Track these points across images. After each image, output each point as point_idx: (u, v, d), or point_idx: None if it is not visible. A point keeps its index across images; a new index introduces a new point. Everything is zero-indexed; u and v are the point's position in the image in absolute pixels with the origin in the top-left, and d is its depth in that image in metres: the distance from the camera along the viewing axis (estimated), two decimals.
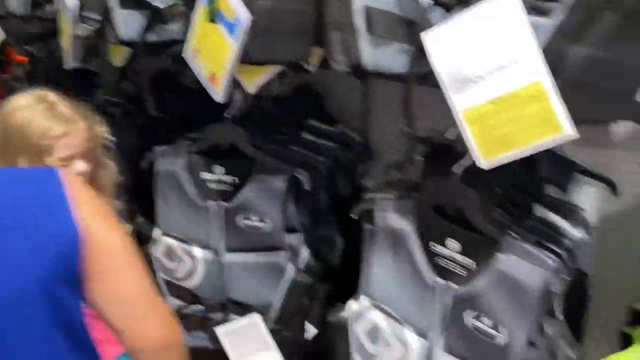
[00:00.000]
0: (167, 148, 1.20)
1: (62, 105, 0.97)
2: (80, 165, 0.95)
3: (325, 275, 1.14)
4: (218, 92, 0.92)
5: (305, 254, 1.10)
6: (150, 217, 1.29)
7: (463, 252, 0.84)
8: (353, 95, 1.21)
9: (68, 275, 0.63)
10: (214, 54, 0.90)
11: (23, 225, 0.61)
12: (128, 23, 1.00)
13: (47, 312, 0.62)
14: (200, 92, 0.98)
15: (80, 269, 0.63)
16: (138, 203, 1.49)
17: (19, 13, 1.39)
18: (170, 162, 1.18)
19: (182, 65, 1.02)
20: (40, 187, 0.64)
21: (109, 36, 1.06)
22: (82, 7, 1.09)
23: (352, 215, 0.97)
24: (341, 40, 0.81)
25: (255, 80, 1.00)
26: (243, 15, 0.83)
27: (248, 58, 0.87)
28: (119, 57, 1.23)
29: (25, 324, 0.62)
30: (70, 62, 1.22)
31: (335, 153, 1.18)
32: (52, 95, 0.97)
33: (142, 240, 1.43)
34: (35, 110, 0.94)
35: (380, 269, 0.93)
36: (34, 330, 0.63)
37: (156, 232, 1.25)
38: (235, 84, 0.97)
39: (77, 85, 1.79)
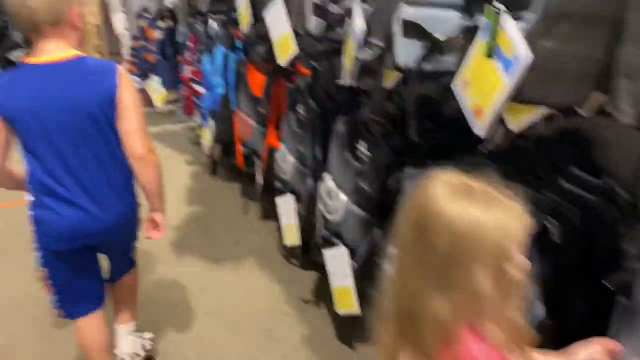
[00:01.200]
0: (417, 172, 1.24)
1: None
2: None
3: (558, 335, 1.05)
4: (481, 127, 0.92)
5: (539, 310, 1.02)
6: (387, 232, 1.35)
7: None
8: (629, 148, 1.09)
9: (110, 105, 1.37)
10: (485, 89, 0.91)
11: (93, 82, 1.37)
12: (408, 51, 1.06)
13: (103, 121, 1.37)
14: (459, 123, 0.99)
15: (115, 105, 1.37)
16: (378, 217, 1.58)
17: (314, 33, 1.58)
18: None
19: (447, 95, 1.04)
20: (106, 68, 1.40)
21: (387, 61, 1.14)
22: (368, 33, 1.20)
23: (606, 283, 0.87)
24: (632, 90, 0.74)
25: (521, 120, 0.97)
26: (523, 55, 0.81)
27: (520, 97, 0.85)
28: (389, 80, 1.32)
29: (96, 129, 1.37)
30: (347, 79, 1.35)
31: (595, 208, 1.07)
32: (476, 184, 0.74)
33: (375, 253, 1.51)
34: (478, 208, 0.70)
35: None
36: (100, 132, 1.37)
37: (390, 249, 1.31)
38: (498, 120, 0.96)
39: (346, 100, 2.02)
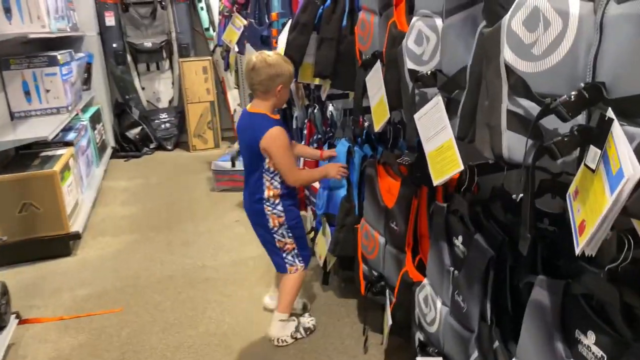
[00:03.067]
0: None
1: None
2: None
3: None
4: (581, 245, 0.76)
5: None
6: None
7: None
8: None
9: (258, 149, 2.09)
10: (591, 202, 0.77)
11: (254, 131, 2.10)
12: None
13: (258, 157, 2.10)
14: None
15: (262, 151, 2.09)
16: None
17: None
18: None
19: None
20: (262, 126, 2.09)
21: None
22: None
23: None
24: None
25: None
26: (630, 172, 0.67)
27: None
28: None
29: (255, 159, 2.13)
30: None
31: None
32: None
33: None
34: None
35: None
36: (256, 162, 2.13)
37: None
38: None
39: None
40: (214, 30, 5.69)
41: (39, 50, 4.11)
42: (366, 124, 2.56)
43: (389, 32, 1.58)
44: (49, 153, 3.49)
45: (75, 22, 4.82)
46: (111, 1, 5.42)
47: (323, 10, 2.07)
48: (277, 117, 2.17)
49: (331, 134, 2.74)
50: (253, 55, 2.11)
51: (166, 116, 5.85)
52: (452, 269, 1.46)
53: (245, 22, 3.70)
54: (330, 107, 3.09)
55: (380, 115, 1.70)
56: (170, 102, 5.88)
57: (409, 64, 1.43)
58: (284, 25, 2.92)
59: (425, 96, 1.40)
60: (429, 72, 1.33)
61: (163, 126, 5.83)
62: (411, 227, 1.76)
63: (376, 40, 1.76)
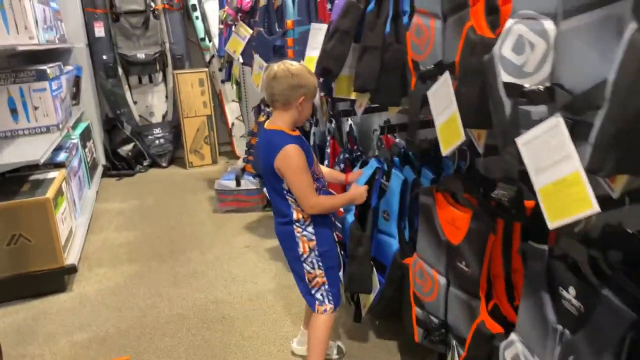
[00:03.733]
0: None
1: None
2: None
3: None
4: None
5: None
6: None
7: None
8: None
9: (273, 170, 1.83)
10: None
11: (268, 150, 1.84)
12: None
13: (275, 177, 1.85)
14: None
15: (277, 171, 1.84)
16: None
17: None
18: None
19: None
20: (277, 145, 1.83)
21: None
22: None
23: None
24: None
25: None
26: None
27: None
28: None
29: (272, 180, 1.87)
30: None
31: None
32: None
33: None
34: None
35: None
36: (274, 183, 1.87)
37: None
38: None
39: None
40: (209, 41, 5.41)
41: (26, 63, 3.79)
42: (401, 142, 2.30)
43: (466, 38, 1.32)
44: (39, 176, 3.17)
45: (63, 33, 4.50)
46: (100, 11, 5.10)
47: (365, 15, 1.80)
48: (297, 133, 1.91)
49: (359, 153, 2.47)
50: (275, 65, 1.86)
51: (160, 131, 5.54)
52: (560, 327, 1.19)
53: (250, 31, 3.43)
54: (350, 122, 2.83)
55: (449, 136, 1.43)
56: (164, 116, 5.57)
57: (505, 77, 1.16)
58: (300, 34, 2.65)
59: (529, 116, 1.14)
60: (542, 87, 1.07)
61: (157, 142, 5.51)
62: (486, 269, 1.50)
63: (438, 48, 1.50)
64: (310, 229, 1.90)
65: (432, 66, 1.51)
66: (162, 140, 5.53)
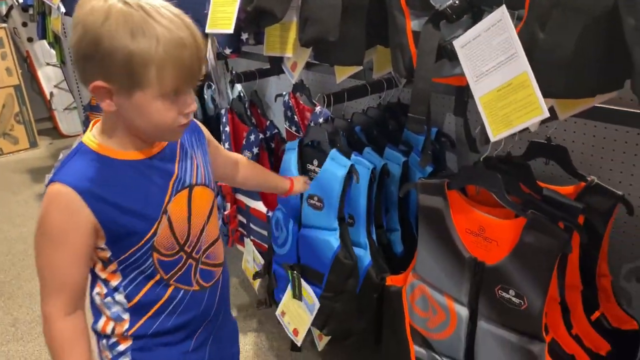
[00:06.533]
0: None
1: None
2: None
3: None
4: None
5: None
6: None
7: None
8: None
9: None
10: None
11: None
12: None
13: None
14: None
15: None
16: None
17: None
18: None
19: None
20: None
21: None
22: None
23: None
24: None
25: None
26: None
27: None
28: None
29: None
30: None
31: None
32: None
33: None
34: None
35: None
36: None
37: None
38: None
39: None
40: None
41: None
42: (325, 112, 1.71)
43: None
44: None
45: None
46: None
47: None
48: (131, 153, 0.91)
49: (275, 131, 1.83)
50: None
51: None
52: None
53: None
54: (239, 88, 2.18)
55: (508, 112, 0.90)
56: None
57: None
58: None
59: None
60: None
61: None
62: (553, 299, 1.04)
63: None
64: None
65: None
66: None
